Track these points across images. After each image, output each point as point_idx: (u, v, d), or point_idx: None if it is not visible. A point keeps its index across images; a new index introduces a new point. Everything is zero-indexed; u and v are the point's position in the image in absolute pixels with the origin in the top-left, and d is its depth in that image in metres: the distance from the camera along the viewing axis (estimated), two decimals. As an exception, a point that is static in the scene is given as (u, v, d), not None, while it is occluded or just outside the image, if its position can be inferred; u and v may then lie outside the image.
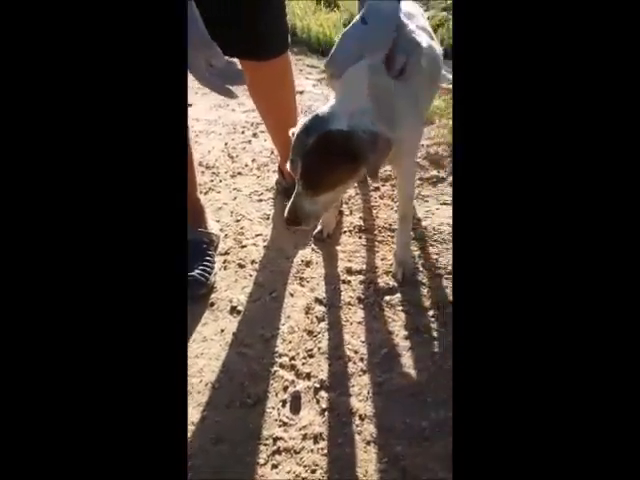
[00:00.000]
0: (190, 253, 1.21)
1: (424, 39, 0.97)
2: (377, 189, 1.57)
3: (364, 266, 1.25)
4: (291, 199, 0.85)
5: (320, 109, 0.85)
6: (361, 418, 0.87)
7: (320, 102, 2.47)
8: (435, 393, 0.91)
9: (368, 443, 0.84)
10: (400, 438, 0.84)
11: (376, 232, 1.39)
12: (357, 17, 0.90)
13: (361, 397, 0.91)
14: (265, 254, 1.32)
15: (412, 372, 0.95)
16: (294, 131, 0.87)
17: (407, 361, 0.97)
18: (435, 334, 1.03)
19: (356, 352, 1.00)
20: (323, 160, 0.80)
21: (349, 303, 1.13)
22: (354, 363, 0.97)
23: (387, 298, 1.14)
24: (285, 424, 0.88)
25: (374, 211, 1.49)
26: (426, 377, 0.94)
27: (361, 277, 1.21)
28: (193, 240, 1.24)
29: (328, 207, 0.92)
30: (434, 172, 1.56)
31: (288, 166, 0.86)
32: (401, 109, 0.88)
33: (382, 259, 1.28)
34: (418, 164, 1.57)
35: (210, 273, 1.20)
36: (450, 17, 3.22)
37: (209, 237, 1.30)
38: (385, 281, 1.19)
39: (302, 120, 0.87)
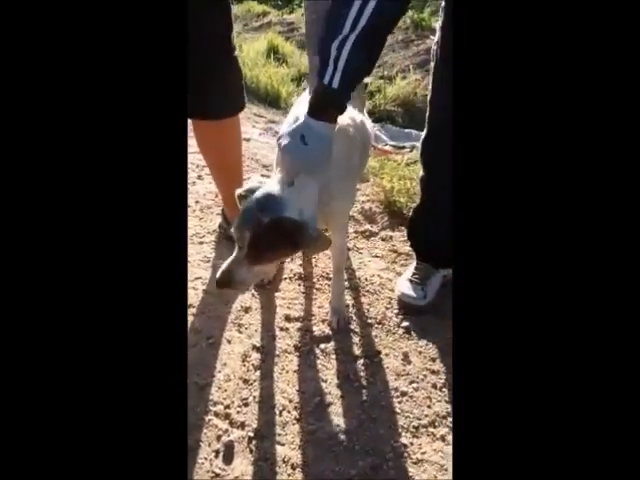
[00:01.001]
0: None
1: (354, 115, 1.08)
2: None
3: (302, 313, 1.30)
4: (227, 262, 0.89)
5: (270, 186, 0.89)
6: (293, 467, 0.89)
7: (265, 150, 2.57)
8: (363, 441, 0.95)
9: (298, 492, 0.86)
10: (329, 487, 0.87)
11: (314, 280, 1.45)
12: (291, 128, 0.87)
13: (293, 445, 0.93)
14: (203, 298, 1.32)
15: (342, 420, 0.99)
16: (240, 193, 0.91)
17: (338, 409, 1.02)
18: (364, 382, 1.08)
19: (290, 400, 1.02)
20: (271, 241, 0.85)
21: (285, 351, 1.16)
22: (288, 412, 1.00)
23: (322, 346, 1.19)
24: (217, 475, 0.87)
25: (313, 259, 1.57)
26: (355, 425, 0.98)
27: (298, 324, 1.25)
28: None
29: (260, 276, 0.98)
30: (368, 226, 1.67)
31: (232, 230, 0.89)
32: (336, 184, 0.96)
33: (319, 307, 1.33)
34: (353, 218, 1.68)
35: None
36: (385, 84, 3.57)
37: None
38: (321, 329, 1.25)
39: (251, 187, 0.91)
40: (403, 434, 0.97)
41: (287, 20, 6.96)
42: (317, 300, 1.36)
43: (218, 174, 1.46)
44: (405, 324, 1.27)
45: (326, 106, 0.84)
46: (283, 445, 0.93)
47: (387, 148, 3.19)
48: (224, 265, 0.88)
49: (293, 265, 1.53)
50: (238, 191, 0.93)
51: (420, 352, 1.19)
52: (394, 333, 1.25)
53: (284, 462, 0.90)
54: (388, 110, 4.01)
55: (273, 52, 4.78)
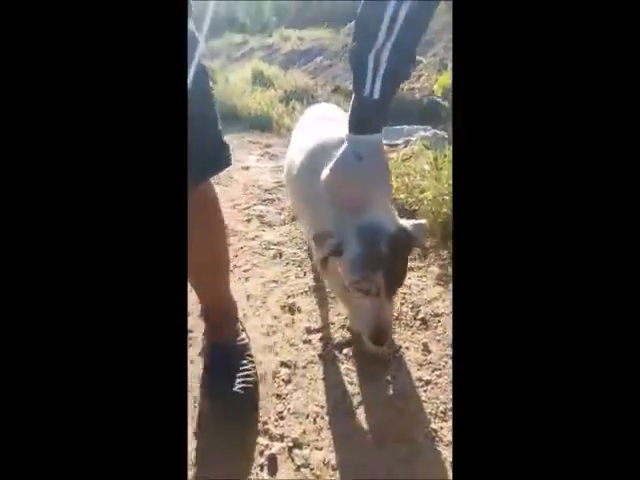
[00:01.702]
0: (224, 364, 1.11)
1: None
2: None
3: (321, 324, 1.36)
4: (376, 316, 0.84)
5: (359, 222, 0.84)
6: (333, 469, 0.95)
7: (266, 175, 2.67)
8: (396, 433, 1.00)
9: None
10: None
11: (328, 290, 1.52)
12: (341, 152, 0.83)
13: (331, 448, 0.99)
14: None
15: (373, 417, 1.05)
16: (320, 234, 0.88)
17: (368, 407, 1.07)
18: (389, 378, 1.14)
19: (322, 407, 1.09)
20: (403, 259, 0.86)
21: (311, 362, 1.23)
22: (321, 418, 1.06)
23: (345, 351, 1.25)
24: (265, 487, 0.94)
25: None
26: (386, 420, 1.04)
27: (320, 335, 1.32)
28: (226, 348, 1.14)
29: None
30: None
31: (356, 283, 0.84)
32: None
33: (337, 314, 1.40)
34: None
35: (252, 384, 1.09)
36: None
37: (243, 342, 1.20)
38: (341, 335, 1.31)
39: (325, 231, 0.88)
40: (432, 420, 1.02)
41: (267, 44, 7.13)
42: (333, 309, 1.42)
43: (195, 266, 0.98)
44: (421, 316, 1.32)
45: (371, 119, 0.81)
46: (321, 449, 0.99)
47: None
48: (375, 322, 0.85)
49: (307, 279, 1.60)
50: (318, 232, 0.89)
51: (438, 340, 1.24)
52: (411, 326, 1.31)
53: (324, 465, 0.96)
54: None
55: (258, 77, 4.93)
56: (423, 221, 0.94)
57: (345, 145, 0.83)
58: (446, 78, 3.00)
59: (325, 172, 0.86)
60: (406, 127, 3.59)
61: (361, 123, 0.81)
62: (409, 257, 0.92)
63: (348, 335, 1.30)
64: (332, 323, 1.36)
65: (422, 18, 0.76)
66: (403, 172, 2.22)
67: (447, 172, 1.93)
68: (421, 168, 2.17)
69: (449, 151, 2.12)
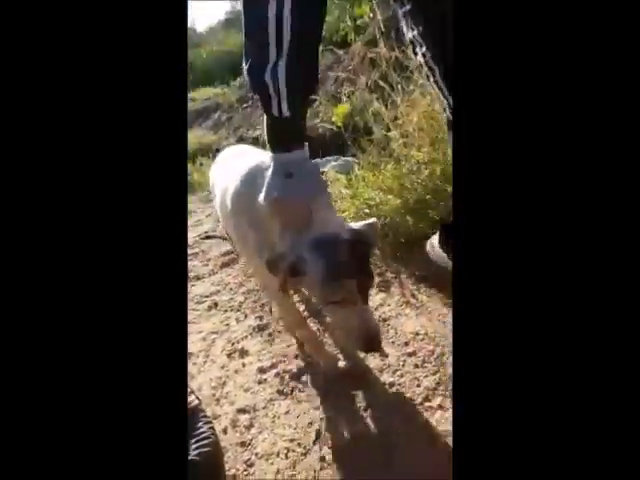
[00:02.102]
0: None
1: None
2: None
3: (274, 360, 1.30)
4: (361, 324, 0.81)
5: (309, 236, 0.81)
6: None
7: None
8: (375, 440, 0.96)
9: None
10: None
11: (275, 325, 1.47)
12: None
13: (312, 476, 0.92)
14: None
15: (348, 433, 1.00)
16: (272, 259, 0.85)
17: (341, 426, 1.02)
18: (354, 392, 1.10)
19: (292, 440, 1.02)
20: (365, 260, 0.83)
21: (271, 400, 1.16)
22: (293, 451, 0.99)
23: (303, 379, 1.19)
24: None
25: (267, 307, 1.58)
26: (363, 430, 0.99)
27: (274, 371, 1.25)
28: None
29: None
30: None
31: (329, 300, 0.81)
32: None
33: (288, 346, 1.35)
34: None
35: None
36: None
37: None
38: (296, 364, 1.25)
39: (278, 253, 0.85)
40: (407, 418, 0.99)
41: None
42: (283, 342, 1.37)
43: None
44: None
45: (288, 135, 0.79)
46: (300, 484, 0.91)
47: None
48: (361, 331, 0.80)
49: (249, 320, 1.54)
50: (270, 258, 0.86)
51: (392, 342, 1.23)
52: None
53: (307, 500, 0.88)
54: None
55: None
56: (373, 220, 0.92)
57: (271, 167, 0.81)
58: (343, 108, 3.18)
59: (261, 197, 0.82)
60: (318, 160, 3.74)
61: (280, 141, 0.80)
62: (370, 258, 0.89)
63: (302, 364, 1.25)
64: (284, 356, 1.31)
65: (310, 29, 0.74)
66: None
67: (362, 189, 2.00)
68: (339, 191, 2.24)
69: (360, 171, 2.22)
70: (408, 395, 1.05)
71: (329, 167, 3.30)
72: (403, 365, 1.14)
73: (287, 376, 1.22)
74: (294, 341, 1.34)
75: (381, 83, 1.81)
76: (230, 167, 1.18)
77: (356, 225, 0.89)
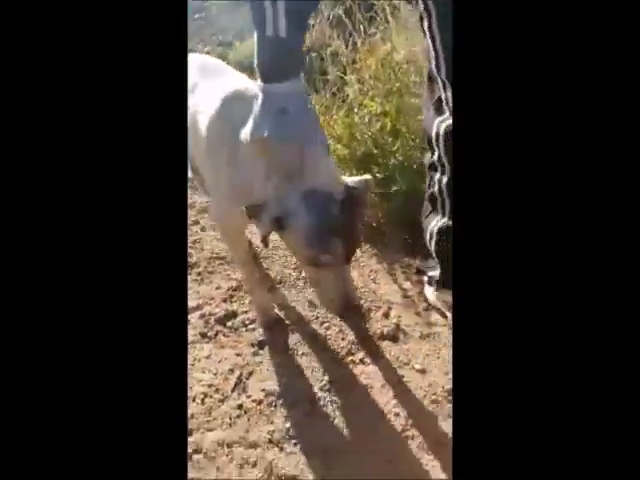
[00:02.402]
0: None
1: None
2: (197, 222, 1.60)
3: (199, 301, 1.26)
4: (339, 288, 0.78)
5: (299, 187, 0.73)
6: (228, 446, 0.89)
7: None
8: (295, 394, 0.98)
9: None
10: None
11: (205, 264, 1.41)
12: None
13: (224, 427, 0.93)
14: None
15: (267, 384, 1.01)
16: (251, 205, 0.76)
17: (261, 376, 1.03)
18: (276, 347, 1.11)
19: (210, 385, 1.01)
20: (357, 221, 0.77)
21: (193, 342, 1.13)
22: (210, 397, 0.99)
23: (229, 323, 1.18)
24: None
25: (198, 244, 1.52)
26: (278, 386, 1.01)
27: (198, 313, 1.22)
28: None
29: None
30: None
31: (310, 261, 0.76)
32: None
33: (217, 288, 1.31)
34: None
35: None
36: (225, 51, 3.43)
37: None
38: (223, 308, 1.23)
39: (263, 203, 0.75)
40: (326, 374, 1.02)
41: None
42: (212, 283, 1.33)
43: None
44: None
45: (283, 61, 0.68)
46: (213, 430, 0.92)
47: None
48: (338, 294, 0.78)
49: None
50: (252, 206, 0.76)
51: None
52: (295, 287, 1.28)
53: (219, 445, 0.89)
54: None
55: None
56: (367, 177, 0.83)
57: (261, 98, 0.69)
58: None
59: (246, 135, 0.72)
60: None
61: (273, 68, 0.67)
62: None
63: (231, 308, 1.23)
64: (212, 298, 1.27)
65: None
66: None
67: None
68: None
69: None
70: (332, 348, 1.07)
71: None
72: (331, 318, 1.16)
73: (212, 319, 1.19)
74: (226, 284, 1.31)
75: (344, 18, 1.68)
76: (201, 88, 0.99)
77: (350, 181, 0.79)
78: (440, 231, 1.06)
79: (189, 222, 1.63)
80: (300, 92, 0.70)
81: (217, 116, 0.87)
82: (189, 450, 0.88)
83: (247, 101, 0.75)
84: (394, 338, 1.10)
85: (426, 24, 0.87)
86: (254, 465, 0.86)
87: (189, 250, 1.49)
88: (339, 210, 0.72)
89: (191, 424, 0.93)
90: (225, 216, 0.98)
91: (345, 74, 1.64)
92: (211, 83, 0.98)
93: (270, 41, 0.66)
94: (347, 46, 1.68)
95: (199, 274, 1.38)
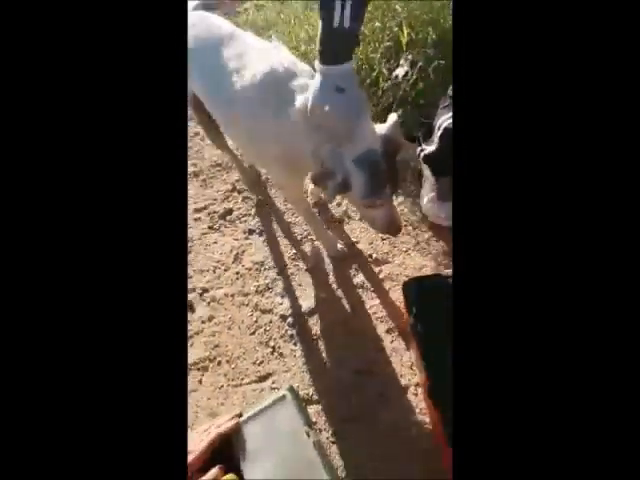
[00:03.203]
0: None
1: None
2: (197, 133, 1.99)
3: (206, 202, 1.75)
4: (390, 219, 0.96)
5: (352, 151, 0.87)
6: (232, 296, 1.47)
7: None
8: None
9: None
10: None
11: (207, 172, 1.86)
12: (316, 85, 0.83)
13: (229, 284, 1.49)
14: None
15: (254, 257, 1.55)
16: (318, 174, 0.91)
17: (250, 252, 1.56)
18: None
19: (218, 261, 1.56)
20: (396, 164, 0.93)
21: (203, 233, 1.65)
22: (219, 268, 1.54)
23: (228, 217, 1.68)
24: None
25: (199, 154, 1.93)
26: (264, 260, 1.54)
27: (206, 211, 1.72)
28: None
29: None
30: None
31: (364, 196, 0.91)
32: None
33: (217, 191, 1.78)
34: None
35: None
36: None
37: None
38: (223, 207, 1.72)
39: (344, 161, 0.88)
40: (293, 249, 1.54)
41: None
42: (214, 186, 1.79)
43: None
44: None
45: (343, 49, 0.82)
46: (222, 288, 1.49)
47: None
48: (389, 224, 0.97)
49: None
50: (317, 173, 0.91)
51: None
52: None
53: (226, 296, 1.47)
54: None
55: None
56: (394, 118, 0.94)
57: (319, 78, 0.83)
58: None
59: (301, 106, 0.87)
60: None
61: (334, 54, 0.81)
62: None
63: (229, 206, 1.71)
64: (214, 199, 1.75)
65: None
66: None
67: None
68: None
69: None
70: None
71: None
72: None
73: (216, 216, 1.69)
74: (223, 187, 1.77)
75: None
76: (234, 60, 1.06)
77: (383, 129, 0.92)
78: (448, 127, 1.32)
79: (190, 134, 2.03)
80: (353, 73, 0.84)
81: (263, 91, 0.98)
82: (202, 324, 1.46)
83: (286, 81, 0.92)
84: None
85: None
86: (247, 305, 1.44)
87: (194, 161, 1.92)
88: (384, 161, 0.88)
89: (207, 285, 1.50)
90: (287, 185, 1.23)
91: None
92: (246, 55, 1.05)
93: (336, 32, 0.79)
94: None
95: (204, 180, 1.83)
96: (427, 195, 1.46)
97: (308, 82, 0.90)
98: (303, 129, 0.91)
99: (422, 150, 1.48)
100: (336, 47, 0.82)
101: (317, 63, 0.84)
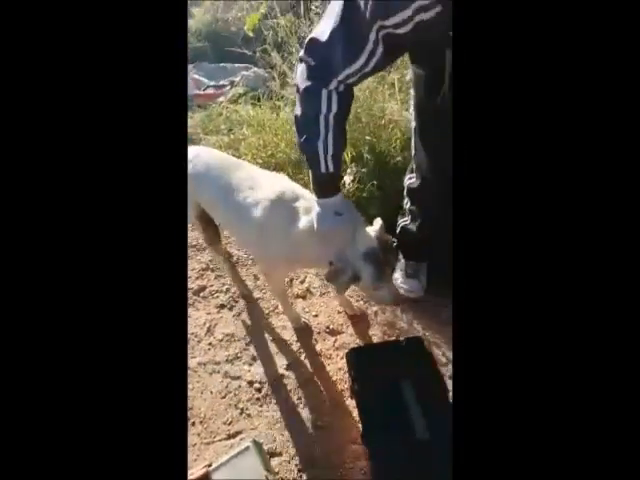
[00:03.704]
0: None
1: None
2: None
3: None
4: (391, 295, 1.22)
5: (355, 251, 1.12)
6: (205, 365, 1.65)
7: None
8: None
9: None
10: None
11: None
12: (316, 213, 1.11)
13: (202, 353, 1.68)
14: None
15: (225, 330, 1.75)
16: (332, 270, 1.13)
17: (222, 325, 1.77)
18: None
19: (192, 333, 1.75)
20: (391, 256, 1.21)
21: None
22: (192, 340, 1.73)
23: (201, 294, 1.89)
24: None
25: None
26: (237, 332, 1.75)
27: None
28: None
29: None
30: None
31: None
32: None
33: (192, 269, 2.00)
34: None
35: None
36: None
37: None
38: (197, 284, 1.94)
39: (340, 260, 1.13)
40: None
41: None
42: (188, 266, 2.02)
43: None
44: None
45: (331, 186, 1.08)
46: (196, 353, 1.67)
47: (209, 92, 3.52)
48: (392, 299, 1.23)
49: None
50: (330, 271, 1.12)
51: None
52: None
53: (200, 365, 1.65)
54: (196, 47, 3.99)
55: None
56: (379, 222, 1.20)
57: (318, 209, 1.09)
58: (255, 18, 3.26)
59: (306, 227, 1.14)
60: (229, 65, 3.83)
61: (326, 190, 1.08)
62: None
63: (202, 283, 1.94)
64: (189, 277, 1.97)
65: (347, 110, 1.01)
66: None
67: (259, 132, 2.43)
68: (241, 132, 2.59)
69: (259, 110, 2.60)
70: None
71: (240, 76, 3.49)
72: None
73: (190, 292, 1.90)
74: (198, 265, 2.00)
75: None
76: (247, 181, 1.32)
77: (374, 231, 1.18)
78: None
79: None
80: (345, 200, 1.12)
81: (271, 213, 1.23)
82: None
83: (293, 201, 1.21)
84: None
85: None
86: (218, 372, 1.62)
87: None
88: (383, 256, 1.14)
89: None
90: (277, 278, 1.53)
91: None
92: (253, 186, 1.30)
93: (322, 175, 1.05)
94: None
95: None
96: (397, 272, 1.75)
97: (308, 205, 1.17)
98: (307, 242, 1.17)
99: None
100: (326, 186, 1.08)
101: (315, 197, 1.11)
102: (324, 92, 0.96)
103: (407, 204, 1.59)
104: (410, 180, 1.50)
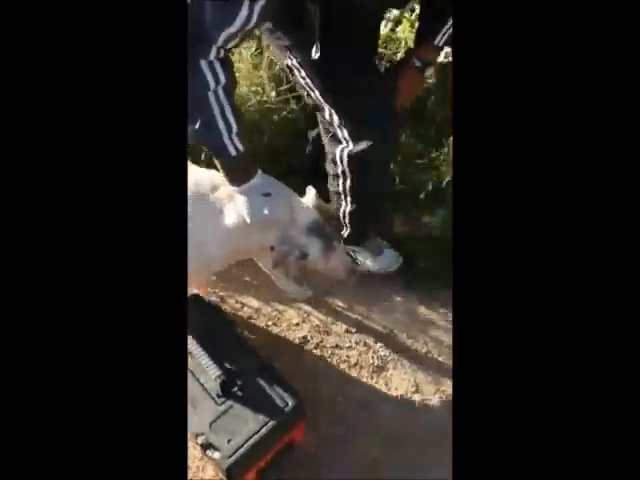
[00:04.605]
0: None
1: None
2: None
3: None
4: (347, 263, 1.19)
5: (298, 227, 1.04)
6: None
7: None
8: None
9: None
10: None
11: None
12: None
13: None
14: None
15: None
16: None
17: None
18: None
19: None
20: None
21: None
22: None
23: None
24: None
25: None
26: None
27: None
28: None
29: None
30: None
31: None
32: None
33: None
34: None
35: None
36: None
37: None
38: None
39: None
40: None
41: None
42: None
43: None
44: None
45: (248, 166, 0.96)
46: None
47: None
48: (346, 269, 1.18)
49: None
50: (277, 256, 1.04)
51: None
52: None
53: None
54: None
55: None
56: (311, 189, 1.14)
57: (243, 198, 0.96)
58: None
59: (237, 222, 0.99)
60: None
61: (243, 174, 0.95)
62: None
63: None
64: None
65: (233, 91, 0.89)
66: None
67: None
68: None
69: None
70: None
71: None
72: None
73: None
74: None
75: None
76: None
77: (310, 201, 1.11)
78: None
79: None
80: (266, 177, 0.98)
81: (195, 210, 1.05)
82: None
83: (208, 195, 1.03)
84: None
85: (314, 94, 1.10)
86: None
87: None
88: (324, 225, 1.09)
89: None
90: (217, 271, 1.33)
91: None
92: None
93: (232, 159, 0.93)
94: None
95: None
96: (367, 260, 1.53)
97: (230, 192, 1.00)
98: (241, 235, 1.03)
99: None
100: (242, 167, 0.95)
101: (233, 187, 0.96)
102: (204, 63, 0.82)
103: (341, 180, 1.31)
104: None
